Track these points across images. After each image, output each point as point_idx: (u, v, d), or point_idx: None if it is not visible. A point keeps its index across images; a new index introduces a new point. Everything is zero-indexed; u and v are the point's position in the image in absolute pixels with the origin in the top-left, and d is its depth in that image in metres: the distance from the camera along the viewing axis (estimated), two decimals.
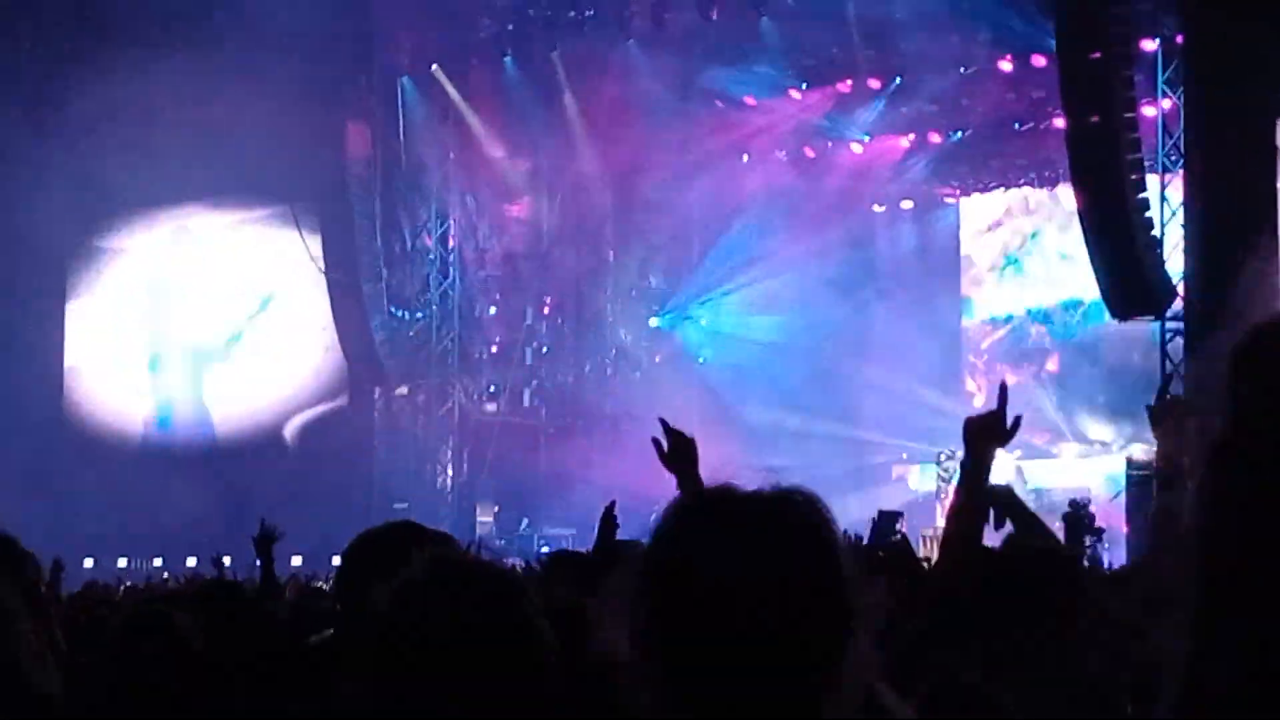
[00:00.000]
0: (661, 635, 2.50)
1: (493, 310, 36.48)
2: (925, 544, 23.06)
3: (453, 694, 2.92)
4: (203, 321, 37.15)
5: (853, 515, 22.97)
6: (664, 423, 5.83)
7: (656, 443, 5.76)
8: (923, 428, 32.66)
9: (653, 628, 2.52)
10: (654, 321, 36.58)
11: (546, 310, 36.46)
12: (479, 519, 32.90)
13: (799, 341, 34.20)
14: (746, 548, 2.53)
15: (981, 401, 34.28)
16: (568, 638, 3.09)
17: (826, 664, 2.50)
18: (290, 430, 36.10)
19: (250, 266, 36.80)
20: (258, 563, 10.93)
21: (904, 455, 33.64)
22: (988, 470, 4.75)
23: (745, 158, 35.16)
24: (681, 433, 5.76)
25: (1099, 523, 22.17)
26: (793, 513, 2.59)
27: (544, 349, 36.47)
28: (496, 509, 33.70)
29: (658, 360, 36.58)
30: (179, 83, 31.25)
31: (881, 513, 18.66)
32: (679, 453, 5.70)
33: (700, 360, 36.58)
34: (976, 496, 4.74)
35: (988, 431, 4.80)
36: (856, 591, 2.57)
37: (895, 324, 34.06)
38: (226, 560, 16.69)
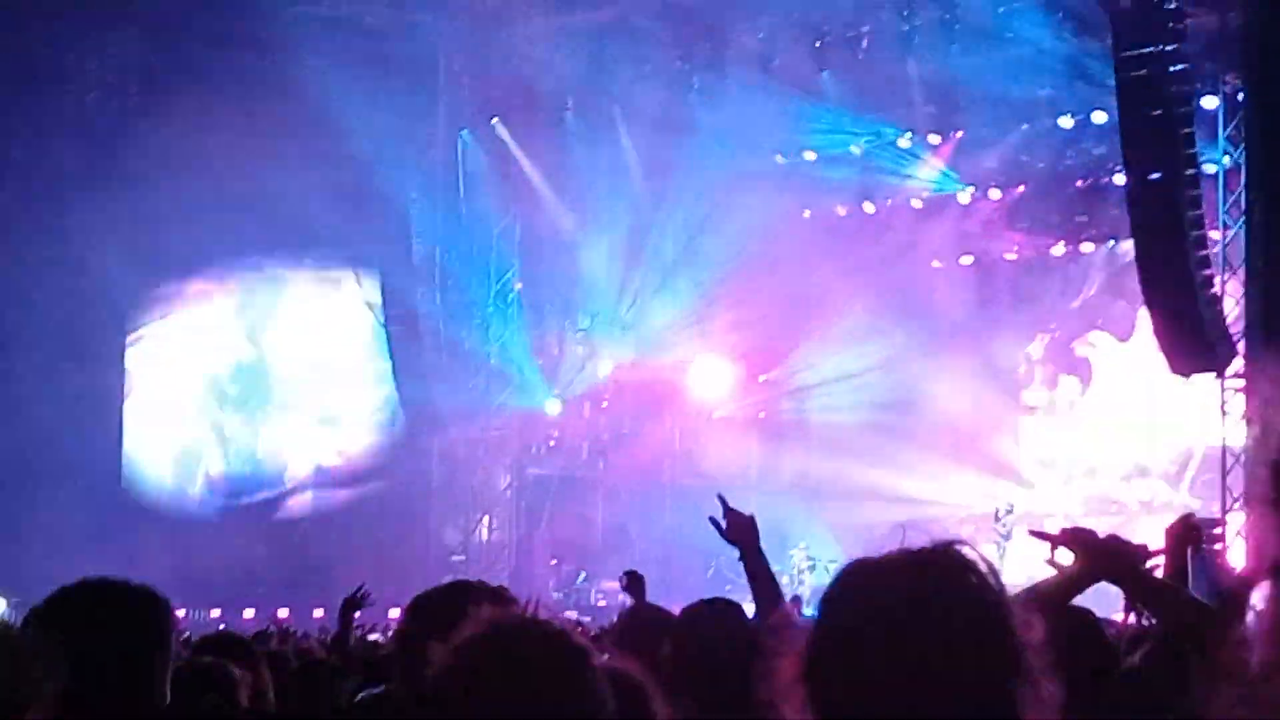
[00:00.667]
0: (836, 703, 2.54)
1: (553, 365, 36.48)
2: None
3: None
4: (262, 372, 37.28)
5: None
6: (722, 500, 5.80)
7: (714, 522, 5.74)
8: (982, 485, 32.52)
9: (827, 696, 2.56)
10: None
11: (607, 364, 36.46)
12: (536, 571, 32.88)
13: (856, 397, 34.10)
14: (916, 611, 2.55)
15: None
16: (627, 704, 3.06)
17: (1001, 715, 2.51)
18: (347, 482, 36.15)
19: (309, 318, 36.94)
20: (323, 617, 11.03)
21: (962, 514, 33.40)
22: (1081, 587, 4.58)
23: (806, 213, 35.13)
24: (738, 512, 5.74)
25: None
26: (957, 568, 2.62)
27: (603, 403, 36.45)
28: (554, 562, 33.69)
29: (715, 415, 36.53)
30: (241, 134, 31.43)
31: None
32: (738, 529, 5.69)
33: (760, 414, 36.50)
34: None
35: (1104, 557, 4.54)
36: (1023, 641, 2.58)
37: (954, 380, 33.93)
38: (283, 612, 16.76)
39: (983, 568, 2.66)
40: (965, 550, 2.67)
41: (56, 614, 4.30)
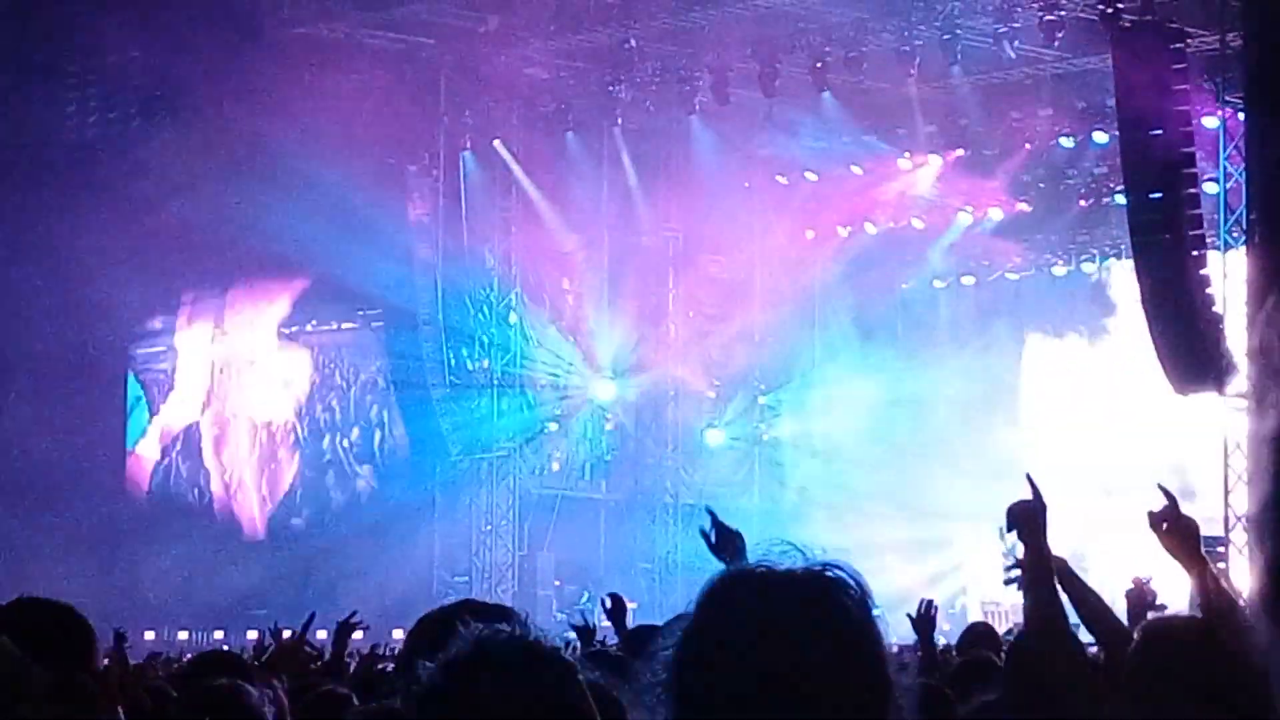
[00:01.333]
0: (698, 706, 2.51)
1: (555, 384, 36.45)
2: (990, 618, 22.97)
3: None
4: (264, 395, 37.33)
5: (910, 586, 22.93)
6: (711, 513, 5.81)
7: (705, 535, 5.75)
8: (988, 499, 32.51)
9: (685, 713, 2.52)
10: (714, 437, 36.49)
11: (610, 383, 36.44)
12: (539, 592, 32.87)
13: (861, 415, 34.08)
14: (776, 631, 2.52)
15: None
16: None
17: None
18: (351, 504, 36.17)
19: (313, 339, 36.99)
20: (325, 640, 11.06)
21: (966, 526, 33.37)
22: (1039, 552, 4.81)
23: (809, 234, 35.17)
24: (726, 526, 5.73)
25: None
26: (827, 591, 2.59)
27: (605, 424, 36.45)
28: (557, 583, 33.69)
29: (716, 436, 36.56)
30: (242, 157, 31.53)
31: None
32: (726, 543, 5.69)
33: (763, 437, 36.49)
34: (1037, 575, 4.82)
35: (1027, 517, 4.95)
36: (893, 668, 2.56)
37: (958, 397, 33.96)
38: (286, 634, 16.71)
39: (855, 592, 2.62)
40: (843, 574, 2.64)
41: None
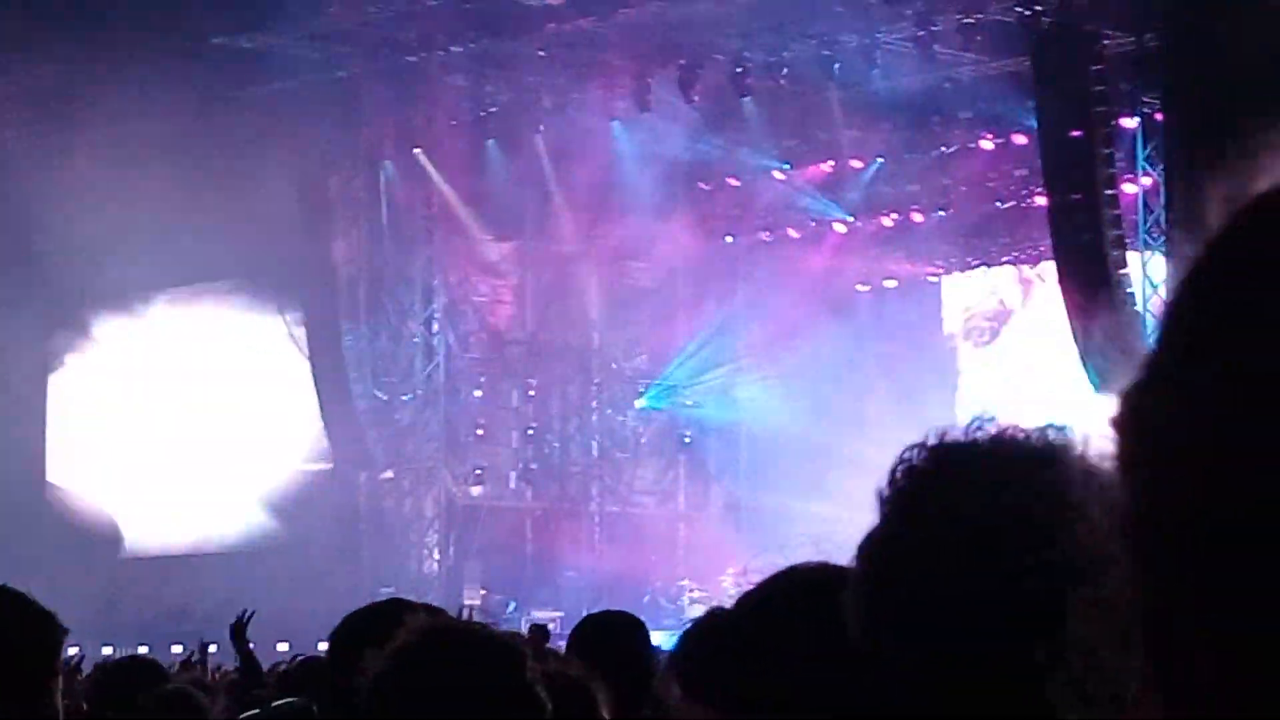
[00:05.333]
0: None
1: (478, 393, 36.36)
2: None
3: None
4: (187, 407, 37.08)
5: None
6: None
7: None
8: None
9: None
10: (640, 402, 36.49)
11: (532, 393, 36.38)
12: (465, 603, 32.75)
13: (784, 421, 34.12)
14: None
15: None
16: (574, 706, 3.04)
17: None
18: (274, 515, 35.97)
19: (234, 351, 36.78)
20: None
21: None
22: None
23: (729, 239, 35.25)
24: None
25: None
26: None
27: (529, 431, 36.37)
28: (483, 592, 33.58)
29: (644, 441, 36.53)
30: (161, 167, 31.28)
31: None
32: None
33: (686, 440, 36.49)
34: None
35: None
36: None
37: (881, 403, 34.01)
38: (213, 648, 16.61)
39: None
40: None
41: None
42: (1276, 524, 1.05)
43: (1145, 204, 26.95)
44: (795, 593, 2.48)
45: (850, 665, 2.13)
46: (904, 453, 2.39)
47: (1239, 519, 1.08)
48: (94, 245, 32.82)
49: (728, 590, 31.91)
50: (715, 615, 2.46)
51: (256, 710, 6.36)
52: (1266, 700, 1.03)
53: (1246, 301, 1.11)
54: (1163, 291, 25.61)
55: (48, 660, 4.37)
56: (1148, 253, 26.69)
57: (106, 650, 31.72)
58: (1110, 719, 1.91)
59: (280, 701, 6.95)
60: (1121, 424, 1.25)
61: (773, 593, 2.50)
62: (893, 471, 2.38)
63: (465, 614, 3.03)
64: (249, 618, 11.15)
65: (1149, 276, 26.38)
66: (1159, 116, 26.45)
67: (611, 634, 6.18)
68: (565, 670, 3.26)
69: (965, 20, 27.92)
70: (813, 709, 2.31)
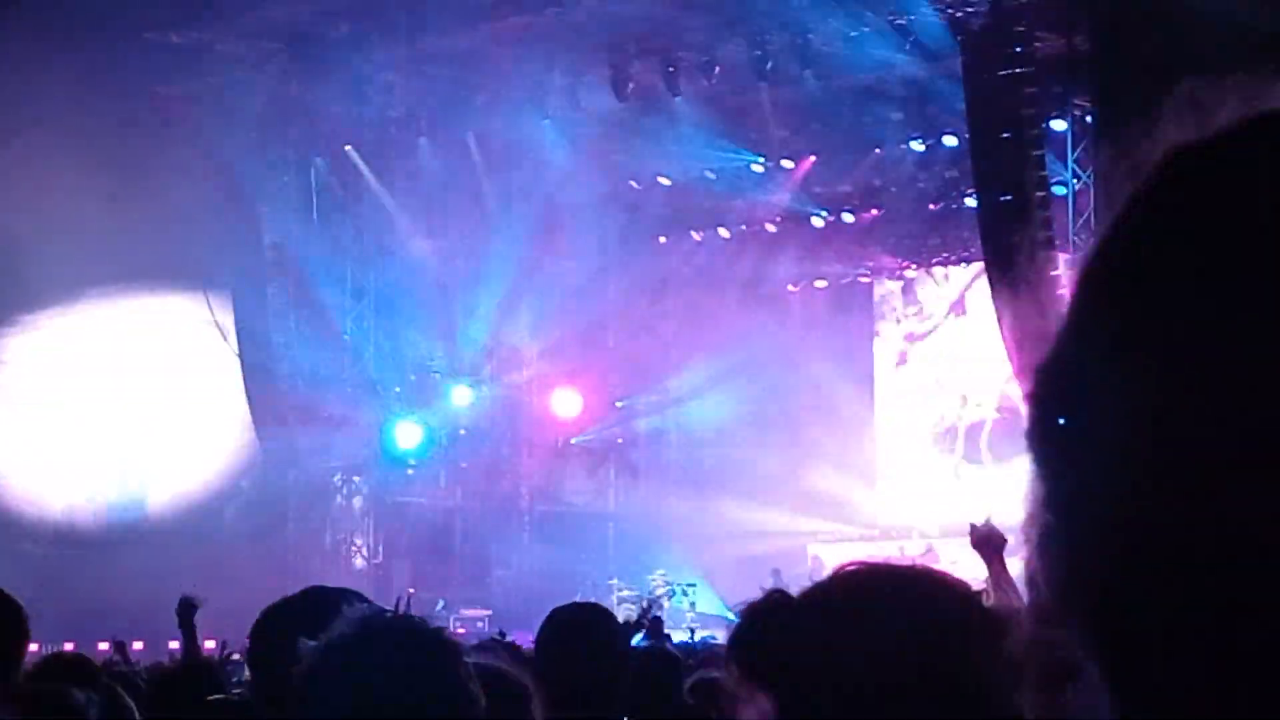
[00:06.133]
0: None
1: (409, 393, 36.28)
2: None
3: None
4: (114, 401, 36.87)
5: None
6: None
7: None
8: (837, 509, 32.68)
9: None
10: None
11: (463, 393, 36.29)
12: (393, 601, 32.61)
13: (711, 423, 34.19)
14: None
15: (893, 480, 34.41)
16: (505, 704, 3.03)
17: None
18: (203, 513, 35.80)
19: (162, 346, 36.58)
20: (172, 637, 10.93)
21: (817, 536, 33.47)
22: (1001, 567, 6.51)
23: (662, 239, 35.26)
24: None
25: None
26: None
27: (460, 431, 36.29)
28: (412, 591, 33.35)
29: (573, 441, 36.51)
30: (88, 161, 31.09)
31: None
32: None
33: (618, 441, 36.50)
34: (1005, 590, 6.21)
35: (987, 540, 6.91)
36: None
37: (809, 404, 34.12)
38: (138, 645, 16.51)
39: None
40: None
41: None
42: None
43: (1075, 205, 27.10)
44: (862, 587, 2.50)
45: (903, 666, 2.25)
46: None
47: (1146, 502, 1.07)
48: (21, 240, 32.62)
49: (656, 589, 32.01)
50: (776, 599, 2.45)
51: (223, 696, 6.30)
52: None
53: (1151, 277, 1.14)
54: None
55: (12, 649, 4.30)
56: (1078, 254, 26.85)
57: (33, 647, 31.61)
58: None
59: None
60: (1034, 400, 1.26)
61: (842, 585, 2.52)
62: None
63: (405, 603, 3.00)
64: (197, 603, 11.08)
65: None
66: (1089, 119, 26.61)
67: (582, 627, 6.19)
68: (496, 666, 3.25)
69: (897, 20, 28.01)
70: (866, 700, 2.33)
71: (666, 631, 20.97)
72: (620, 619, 26.93)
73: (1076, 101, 27.22)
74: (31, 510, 37.13)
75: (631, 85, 30.79)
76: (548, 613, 6.28)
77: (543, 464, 36.00)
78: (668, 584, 31.96)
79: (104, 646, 26.78)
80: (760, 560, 29.82)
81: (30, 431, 37.37)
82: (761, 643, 2.39)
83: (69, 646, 30.31)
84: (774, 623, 2.40)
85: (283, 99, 32.71)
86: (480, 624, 30.20)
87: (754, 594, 2.56)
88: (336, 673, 2.88)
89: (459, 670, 2.94)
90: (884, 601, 2.43)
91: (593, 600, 31.03)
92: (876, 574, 2.56)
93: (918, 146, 31.48)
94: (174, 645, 25.16)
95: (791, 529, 32.69)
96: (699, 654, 13.42)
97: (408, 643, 2.94)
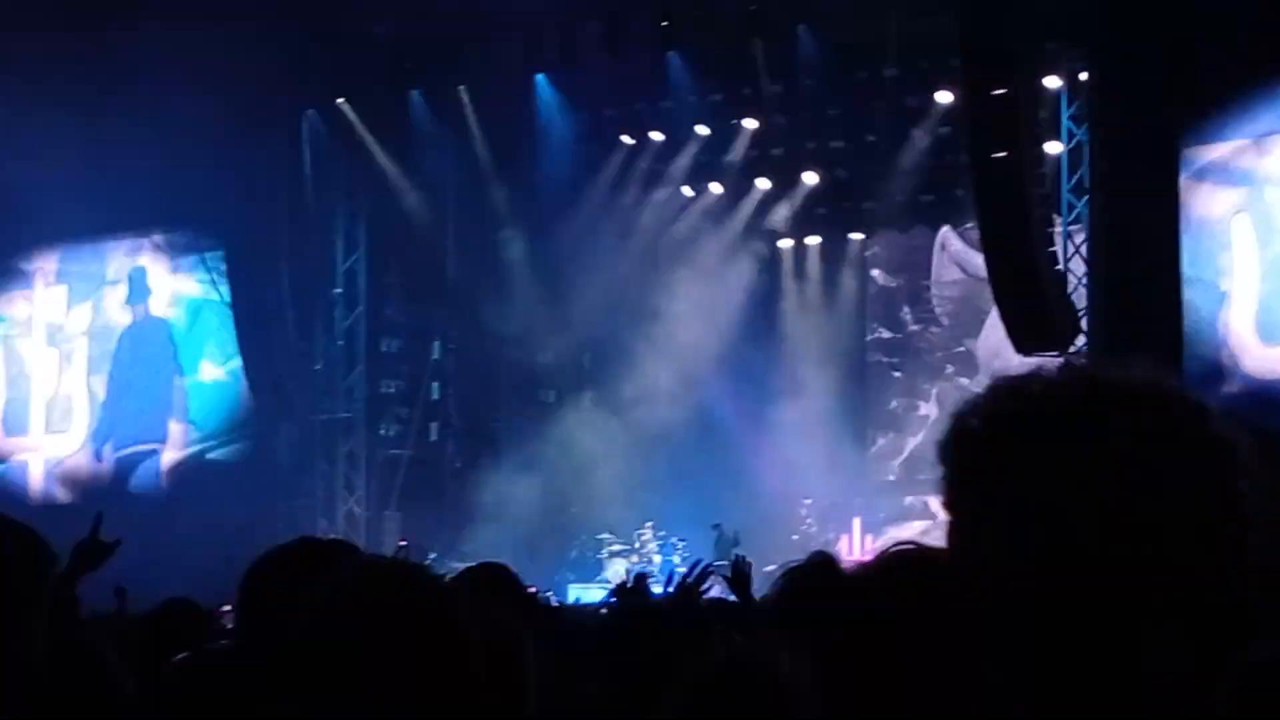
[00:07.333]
0: None
1: (398, 345, 36.30)
2: None
3: (378, 701, 2.86)
4: (104, 355, 36.91)
5: (764, 556, 23.02)
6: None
7: None
8: (826, 475, 32.59)
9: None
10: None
11: (453, 345, 36.28)
12: (400, 543, 32.70)
13: (703, 380, 34.09)
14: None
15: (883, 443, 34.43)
16: (500, 652, 3.04)
17: None
18: (194, 464, 35.85)
19: (154, 296, 36.62)
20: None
21: (807, 501, 33.37)
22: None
23: (654, 194, 35.17)
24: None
25: None
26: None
27: (450, 384, 36.30)
28: (403, 543, 33.51)
29: (565, 395, 36.49)
30: (80, 112, 31.06)
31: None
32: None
33: (612, 395, 36.38)
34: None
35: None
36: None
37: (798, 366, 34.13)
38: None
39: None
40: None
41: None
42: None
43: (1069, 163, 27.06)
44: (908, 565, 2.49)
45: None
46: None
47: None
48: (14, 197, 32.64)
49: (646, 543, 32.05)
50: (822, 560, 2.44)
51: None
52: None
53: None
54: (1084, 251, 25.76)
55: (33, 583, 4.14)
56: (1071, 212, 26.83)
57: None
58: None
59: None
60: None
61: (890, 562, 2.50)
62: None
63: (404, 551, 3.00)
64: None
65: (1071, 236, 26.51)
66: (1083, 76, 26.56)
67: (493, 586, 6.24)
68: (492, 615, 3.25)
69: None
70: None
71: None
72: (610, 573, 26.86)
73: (1070, 59, 27.16)
74: (19, 464, 37.20)
75: (624, 39, 30.70)
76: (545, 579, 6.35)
77: (532, 418, 35.90)
78: (659, 537, 32.05)
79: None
80: (747, 522, 29.87)
81: (17, 387, 37.42)
82: (805, 604, 2.37)
83: None
84: (817, 583, 2.38)
85: (275, 50, 32.58)
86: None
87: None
88: (337, 617, 2.88)
89: (459, 614, 2.95)
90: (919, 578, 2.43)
91: (591, 559, 31.12)
92: (906, 557, 2.56)
93: (911, 102, 31.38)
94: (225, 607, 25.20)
95: (778, 493, 32.57)
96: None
97: (409, 587, 2.94)
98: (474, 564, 6.50)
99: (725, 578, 9.37)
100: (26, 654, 3.92)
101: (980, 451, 2.00)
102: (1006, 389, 2.03)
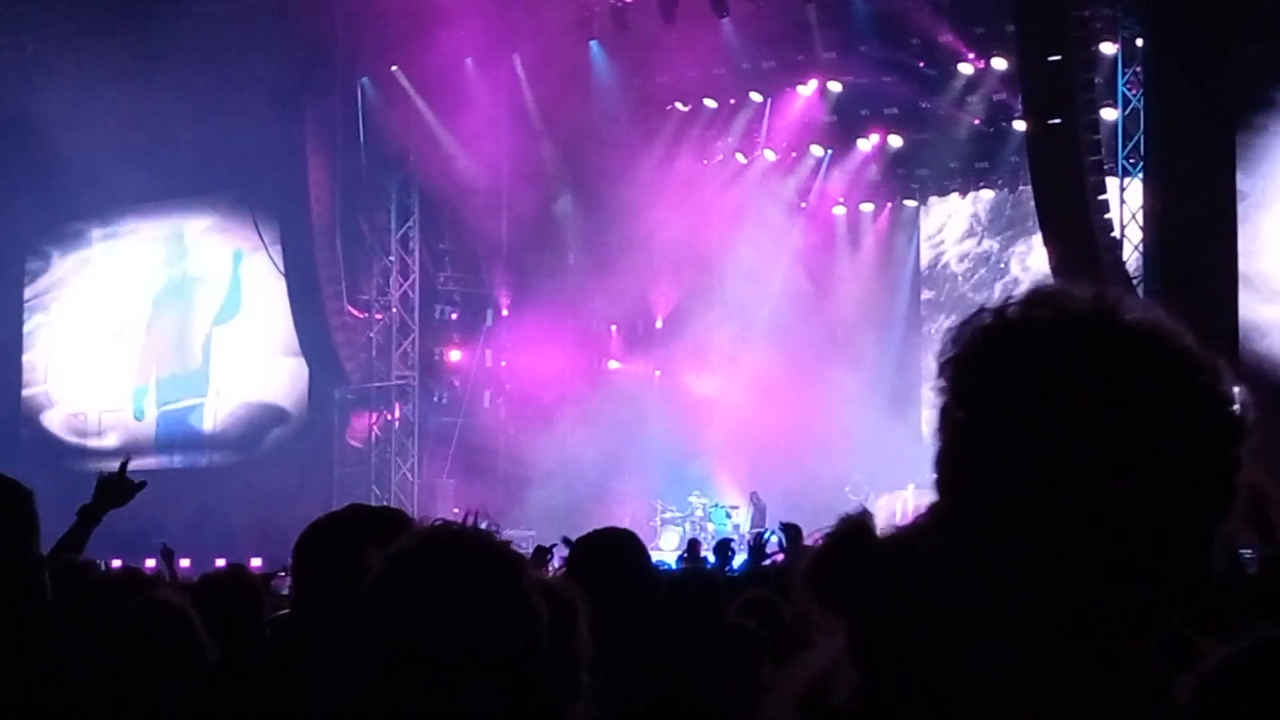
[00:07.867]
0: None
1: (453, 314, 36.36)
2: None
3: (444, 665, 2.87)
4: (162, 324, 37.06)
5: (815, 522, 22.97)
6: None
7: None
8: (879, 452, 32.42)
9: None
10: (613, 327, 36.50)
11: (506, 313, 36.30)
12: (457, 511, 32.78)
13: (756, 346, 34.02)
14: None
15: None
16: (558, 618, 3.05)
17: None
18: (250, 434, 35.99)
19: (209, 265, 36.76)
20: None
21: (854, 478, 33.03)
22: None
23: (706, 161, 35.11)
24: None
25: None
26: None
27: (504, 351, 36.35)
28: (456, 511, 33.54)
29: (612, 365, 36.57)
30: (139, 82, 31.16)
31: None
32: None
33: (656, 372, 36.39)
34: None
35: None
36: None
37: (853, 332, 34.08)
38: (185, 563, 16.60)
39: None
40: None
41: None
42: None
43: (1124, 130, 26.94)
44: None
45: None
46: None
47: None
48: (74, 161, 32.81)
49: (695, 510, 32.05)
50: (856, 524, 2.41)
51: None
52: None
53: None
54: (1140, 218, 25.65)
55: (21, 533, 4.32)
56: (1125, 179, 26.69)
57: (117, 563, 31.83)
58: None
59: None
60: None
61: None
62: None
63: (471, 517, 3.02)
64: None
65: (1126, 202, 26.38)
66: (1139, 42, 26.42)
67: (612, 551, 6.23)
68: (549, 582, 3.27)
69: None
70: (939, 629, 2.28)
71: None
72: (662, 541, 26.92)
73: (1127, 25, 27.02)
74: (79, 431, 37.39)
75: (678, 6, 30.64)
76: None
77: (583, 387, 35.92)
78: (709, 504, 32.06)
79: (151, 564, 27.00)
80: (795, 497, 29.74)
81: (80, 351, 37.63)
82: (838, 572, 2.35)
83: (116, 564, 30.61)
84: (853, 550, 2.36)
85: (327, 18, 32.62)
86: (525, 544, 30.27)
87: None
88: (406, 583, 2.90)
89: (522, 581, 2.97)
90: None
91: (648, 527, 31.08)
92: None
93: (966, 69, 31.26)
94: (220, 563, 25.39)
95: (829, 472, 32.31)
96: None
97: (473, 553, 2.97)
98: (587, 533, 6.48)
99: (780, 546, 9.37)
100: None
101: (982, 371, 2.02)
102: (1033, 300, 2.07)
